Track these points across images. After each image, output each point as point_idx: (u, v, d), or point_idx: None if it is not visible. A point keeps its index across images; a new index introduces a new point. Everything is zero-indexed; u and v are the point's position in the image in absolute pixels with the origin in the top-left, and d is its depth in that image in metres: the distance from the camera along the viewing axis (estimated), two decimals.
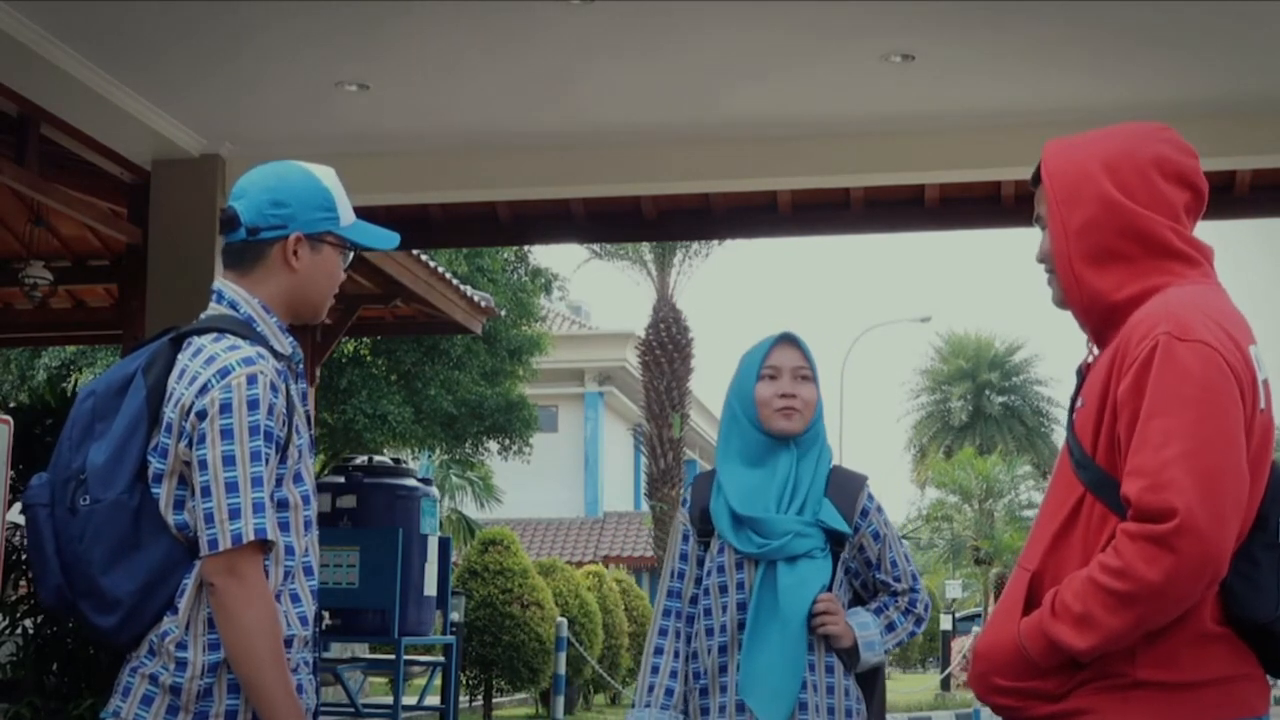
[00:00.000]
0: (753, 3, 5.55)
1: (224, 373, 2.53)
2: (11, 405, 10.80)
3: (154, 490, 2.56)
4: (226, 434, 2.50)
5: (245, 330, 2.63)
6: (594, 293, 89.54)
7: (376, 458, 9.69)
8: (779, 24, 5.75)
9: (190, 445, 2.52)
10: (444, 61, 6.15)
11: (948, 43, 5.93)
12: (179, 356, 2.63)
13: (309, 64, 6.19)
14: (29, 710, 6.68)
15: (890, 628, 3.47)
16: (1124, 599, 2.28)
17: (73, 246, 9.11)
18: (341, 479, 9.19)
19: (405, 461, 9.53)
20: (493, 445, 18.51)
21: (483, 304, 10.77)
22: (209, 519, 2.48)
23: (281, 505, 2.59)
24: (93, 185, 7.59)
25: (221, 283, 2.74)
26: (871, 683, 3.52)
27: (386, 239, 2.85)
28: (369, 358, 16.07)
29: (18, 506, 7.23)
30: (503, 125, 6.89)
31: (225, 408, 2.51)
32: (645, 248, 22.63)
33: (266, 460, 2.52)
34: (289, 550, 2.61)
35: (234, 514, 2.47)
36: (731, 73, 6.26)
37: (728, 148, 7.00)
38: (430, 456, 21.62)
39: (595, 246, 22.76)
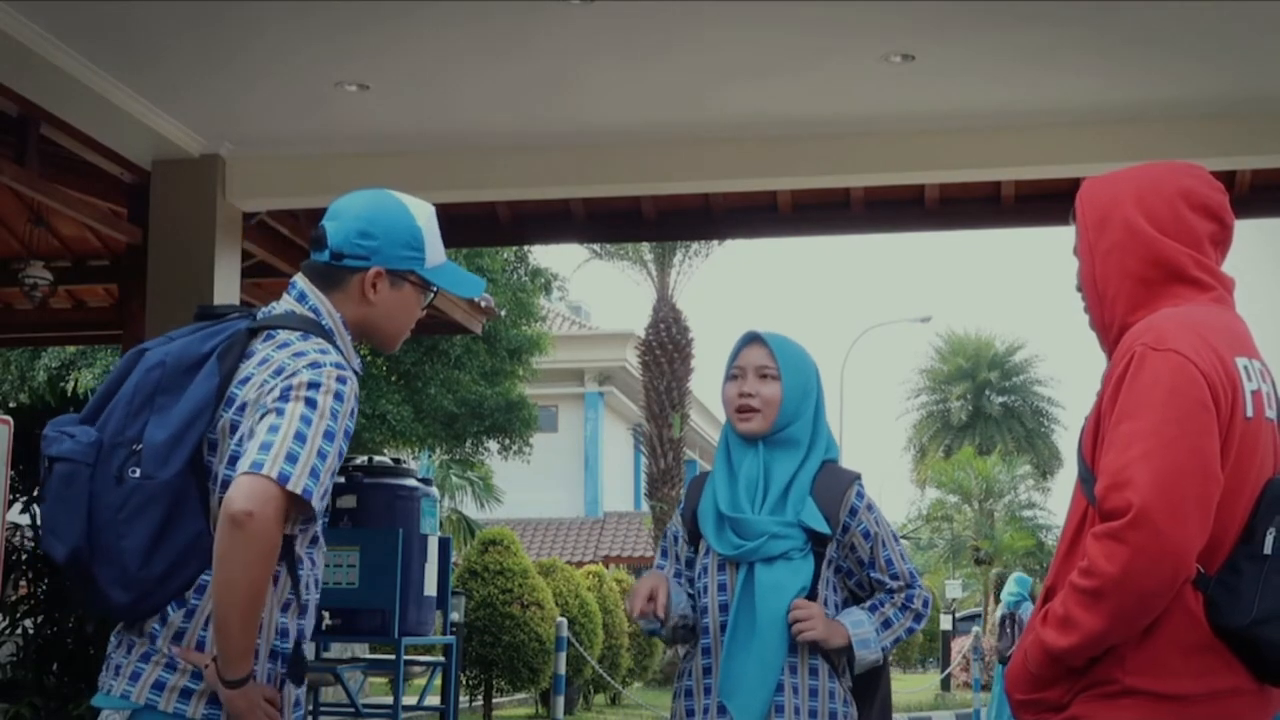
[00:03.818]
0: (753, 3, 5.55)
1: (316, 365, 2.54)
2: (11, 405, 10.80)
3: (208, 459, 2.53)
4: (310, 403, 2.50)
5: (329, 340, 2.65)
6: (594, 293, 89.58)
7: (376, 458, 9.69)
8: (779, 24, 5.75)
9: (257, 414, 2.50)
10: (444, 61, 6.15)
11: (948, 43, 5.93)
12: (260, 346, 2.61)
13: (309, 64, 6.19)
14: (29, 710, 6.68)
15: (886, 624, 3.40)
16: (1092, 595, 2.38)
17: (73, 246, 9.11)
18: (341, 479, 9.17)
19: (405, 461, 9.51)
20: (493, 445, 18.52)
21: (483, 304, 10.77)
22: (264, 447, 2.43)
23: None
24: (93, 185, 7.59)
25: (307, 285, 2.72)
26: (873, 685, 3.50)
27: (472, 286, 2.86)
28: (368, 357, 16.08)
29: (17, 507, 7.25)
30: (503, 125, 6.89)
31: (313, 385, 2.51)
32: (645, 248, 22.63)
33: (339, 454, 2.52)
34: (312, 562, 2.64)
35: (291, 457, 2.44)
36: (731, 73, 6.26)
37: (728, 148, 7.00)
38: (430, 456, 21.63)
39: (595, 246, 22.76)
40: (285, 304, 2.72)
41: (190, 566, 2.51)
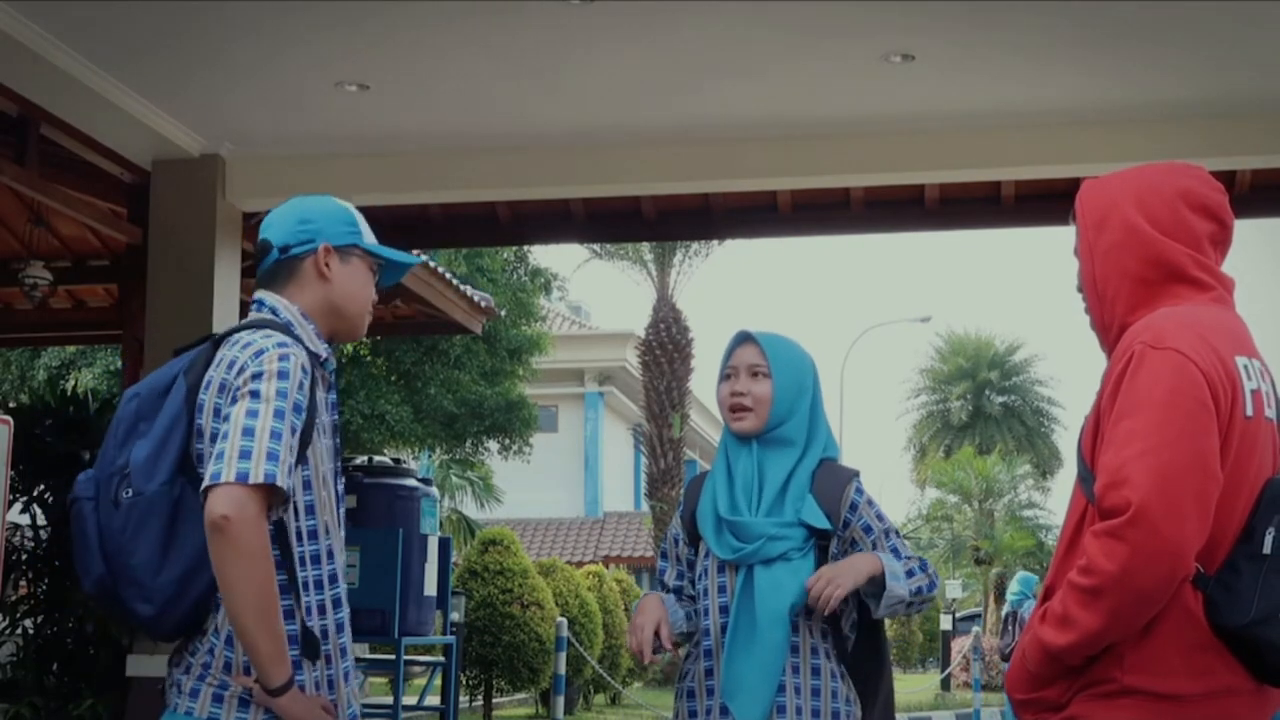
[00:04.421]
0: (753, 2, 5.55)
1: (259, 353, 2.67)
2: (11, 405, 10.80)
3: (200, 470, 2.65)
4: (254, 395, 2.61)
5: (284, 331, 2.78)
6: (594, 293, 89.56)
7: (376, 458, 9.69)
8: (779, 23, 5.75)
9: (221, 424, 2.63)
10: (444, 61, 6.15)
11: (948, 43, 5.93)
12: (224, 347, 2.75)
13: (309, 64, 6.19)
14: (29, 710, 6.69)
15: (910, 574, 3.37)
16: (1091, 593, 2.38)
17: (73, 246, 9.11)
18: (341, 479, 9.15)
19: (405, 461, 9.52)
20: (493, 445, 18.52)
21: (483, 304, 10.77)
22: (219, 457, 2.56)
23: (309, 510, 2.73)
24: (93, 185, 7.59)
25: (262, 292, 2.88)
26: (876, 684, 3.49)
27: (409, 258, 3.04)
28: (368, 357, 16.08)
29: (17, 506, 7.25)
30: (503, 125, 6.89)
31: (256, 376, 2.63)
32: (645, 248, 22.63)
33: (293, 430, 2.62)
34: (330, 555, 2.77)
35: (244, 454, 2.55)
36: (732, 72, 6.26)
37: (728, 148, 6.99)
38: (430, 456, 21.63)
39: (595, 246, 22.76)
40: (250, 316, 2.88)
41: (206, 570, 2.60)
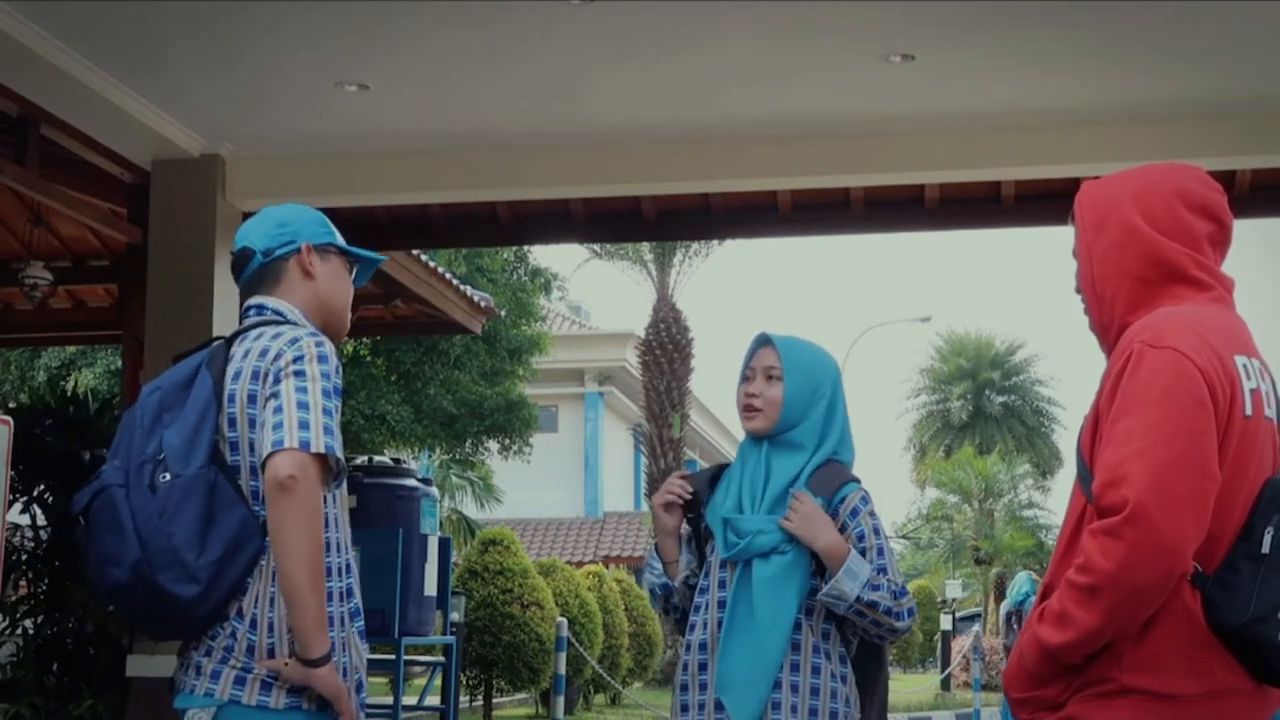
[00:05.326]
0: (753, 3, 5.55)
1: (294, 340, 2.77)
2: (11, 405, 10.80)
3: (233, 459, 2.72)
4: (299, 374, 2.71)
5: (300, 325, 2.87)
6: (594, 293, 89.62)
7: (376, 458, 9.68)
8: (779, 24, 5.75)
9: (263, 402, 2.71)
10: (444, 62, 6.15)
11: (948, 43, 5.93)
12: (241, 343, 2.82)
13: (309, 64, 6.19)
14: (29, 710, 6.69)
15: (875, 588, 3.31)
16: (1089, 592, 2.38)
17: (73, 246, 9.11)
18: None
19: (405, 461, 9.51)
20: (493, 445, 18.51)
21: (483, 304, 10.76)
22: (277, 427, 2.65)
23: (329, 499, 2.79)
24: (93, 185, 7.58)
25: (257, 297, 2.95)
26: (872, 684, 3.50)
27: (375, 255, 3.16)
28: (368, 357, 16.09)
29: (17, 506, 7.25)
30: (503, 125, 6.89)
31: (298, 359, 2.73)
32: (645, 248, 22.60)
33: (335, 411, 2.71)
34: (346, 546, 2.84)
35: (303, 425, 2.65)
36: (731, 73, 6.26)
37: (728, 148, 6.99)
38: (430, 456, 21.62)
39: (595, 246, 22.75)
40: (250, 321, 2.93)
41: (247, 547, 2.67)
